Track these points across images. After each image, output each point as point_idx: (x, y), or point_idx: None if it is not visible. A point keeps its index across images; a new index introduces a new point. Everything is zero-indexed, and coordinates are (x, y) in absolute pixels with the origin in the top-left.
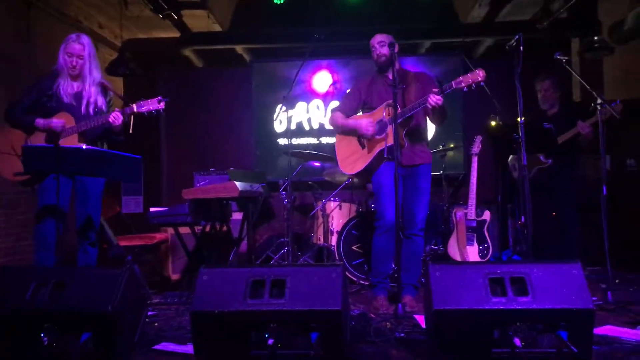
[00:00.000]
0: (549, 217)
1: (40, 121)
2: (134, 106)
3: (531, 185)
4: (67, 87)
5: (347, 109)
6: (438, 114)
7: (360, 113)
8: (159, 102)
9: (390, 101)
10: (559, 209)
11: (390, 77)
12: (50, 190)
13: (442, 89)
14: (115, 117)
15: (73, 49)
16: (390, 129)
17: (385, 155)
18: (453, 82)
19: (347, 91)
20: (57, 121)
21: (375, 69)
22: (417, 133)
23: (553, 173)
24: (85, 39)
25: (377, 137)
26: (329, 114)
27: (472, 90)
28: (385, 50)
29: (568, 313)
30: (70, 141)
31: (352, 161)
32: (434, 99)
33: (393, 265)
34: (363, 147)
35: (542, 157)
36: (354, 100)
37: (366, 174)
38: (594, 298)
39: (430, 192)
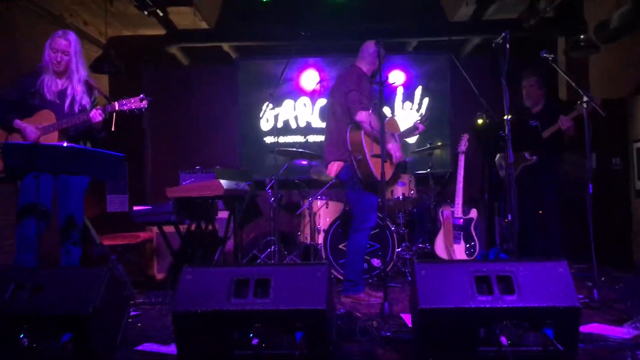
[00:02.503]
0: (533, 214)
1: (18, 123)
2: (116, 104)
3: (517, 183)
4: (51, 85)
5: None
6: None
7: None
8: (141, 100)
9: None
10: (542, 206)
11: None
12: (31, 188)
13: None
14: (95, 115)
15: (58, 45)
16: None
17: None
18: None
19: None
20: (32, 133)
21: (368, 75)
22: None
23: (538, 170)
24: (72, 36)
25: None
26: (316, 112)
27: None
28: None
29: (554, 311)
30: (51, 138)
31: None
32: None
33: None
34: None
35: (527, 155)
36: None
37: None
38: (580, 296)
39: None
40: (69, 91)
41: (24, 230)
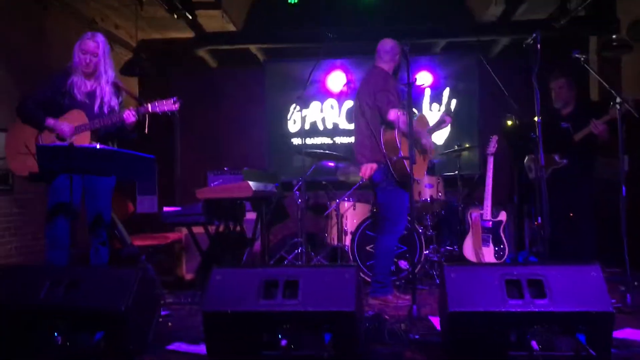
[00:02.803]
0: (564, 218)
1: (50, 121)
2: (149, 106)
3: (547, 186)
4: (80, 85)
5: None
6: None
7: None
8: (174, 103)
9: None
10: (575, 209)
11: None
12: (61, 189)
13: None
14: (128, 115)
15: (87, 47)
16: (427, 140)
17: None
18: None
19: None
20: (67, 128)
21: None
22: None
23: (569, 174)
24: (100, 38)
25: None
26: (343, 114)
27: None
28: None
29: (586, 316)
30: (83, 139)
31: (417, 168)
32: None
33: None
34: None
35: (557, 157)
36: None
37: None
38: (612, 300)
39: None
40: (97, 92)
41: (55, 229)
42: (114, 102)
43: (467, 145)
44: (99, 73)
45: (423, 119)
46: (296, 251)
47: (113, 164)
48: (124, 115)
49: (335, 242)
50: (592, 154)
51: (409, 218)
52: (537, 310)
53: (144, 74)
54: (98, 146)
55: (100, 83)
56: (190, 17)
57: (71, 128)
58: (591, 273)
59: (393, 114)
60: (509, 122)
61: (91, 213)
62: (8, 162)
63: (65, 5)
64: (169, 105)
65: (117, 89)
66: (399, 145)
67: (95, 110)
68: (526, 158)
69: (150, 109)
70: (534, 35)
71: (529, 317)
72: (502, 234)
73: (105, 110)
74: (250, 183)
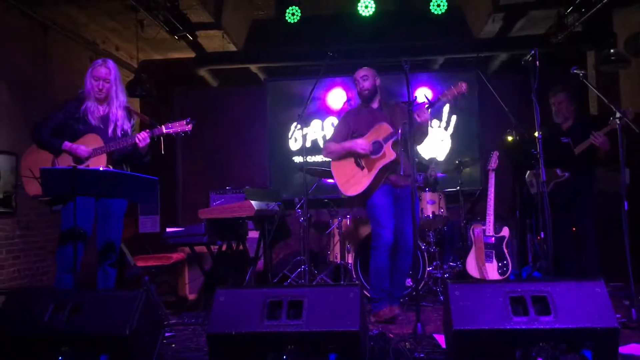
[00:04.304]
0: (566, 231)
1: (67, 144)
2: (163, 128)
3: (549, 200)
4: (94, 111)
5: (339, 139)
6: (420, 132)
7: None
8: (187, 123)
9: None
10: (577, 223)
11: (375, 106)
12: (77, 211)
13: (431, 103)
14: (143, 138)
15: (100, 73)
16: (386, 147)
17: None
18: (440, 96)
19: (335, 124)
20: (85, 149)
21: (360, 101)
22: (406, 152)
23: (570, 187)
24: (111, 64)
25: (373, 156)
26: None
27: (456, 102)
28: (367, 84)
29: (592, 332)
30: (99, 162)
31: (353, 182)
32: (422, 113)
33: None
34: (362, 167)
35: (559, 171)
36: (344, 129)
37: (361, 196)
38: (617, 315)
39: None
40: (111, 117)
41: (66, 252)
42: (127, 125)
43: (467, 160)
44: (111, 98)
45: (381, 128)
46: (299, 269)
47: (117, 186)
48: (140, 138)
49: (338, 260)
50: (593, 168)
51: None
52: (542, 327)
53: (146, 95)
54: (101, 168)
55: (112, 108)
56: (191, 38)
57: (88, 150)
58: (595, 289)
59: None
60: (510, 138)
61: (103, 235)
62: (24, 185)
63: (67, 28)
64: (182, 126)
65: (128, 112)
66: (333, 175)
67: (109, 134)
68: (527, 173)
69: (164, 131)
70: (532, 52)
71: (534, 334)
72: (505, 250)
73: (119, 133)
74: (253, 202)
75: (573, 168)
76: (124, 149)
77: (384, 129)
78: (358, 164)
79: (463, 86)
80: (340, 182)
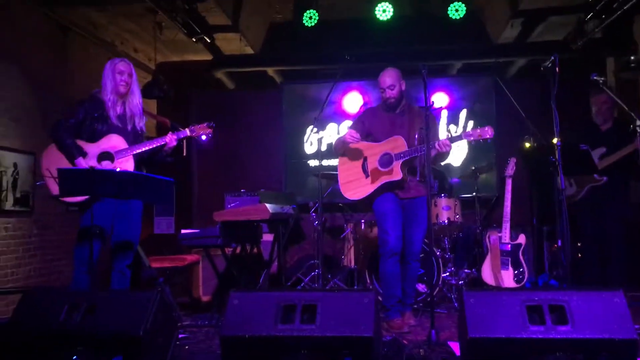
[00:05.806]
0: (594, 240)
1: (80, 161)
2: (187, 130)
3: (582, 204)
4: (116, 108)
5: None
6: (440, 158)
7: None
8: (209, 127)
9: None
10: (607, 231)
11: (397, 111)
12: (95, 211)
13: (452, 138)
14: (171, 140)
15: (123, 67)
16: (395, 165)
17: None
18: (463, 134)
19: (353, 121)
20: (108, 165)
21: (382, 105)
22: (413, 169)
23: (606, 192)
24: (128, 61)
25: (382, 169)
26: None
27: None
28: (394, 92)
29: (610, 343)
30: (127, 164)
31: (354, 187)
32: (445, 146)
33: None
34: (367, 175)
35: (597, 175)
36: (358, 128)
37: (366, 201)
38: (636, 326)
39: (427, 222)
40: (128, 115)
41: (84, 251)
42: (142, 124)
43: (483, 165)
44: (131, 93)
45: (397, 142)
46: (313, 273)
47: (133, 187)
48: (167, 139)
49: (352, 265)
50: (629, 175)
51: (426, 240)
52: (559, 337)
53: (163, 96)
54: (118, 169)
55: (131, 105)
56: (209, 40)
57: (114, 167)
58: (614, 299)
59: None
60: (527, 144)
61: (120, 236)
62: (47, 184)
63: (87, 30)
64: (204, 129)
65: (143, 111)
66: (337, 170)
67: (129, 134)
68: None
69: (188, 133)
70: (552, 57)
71: (550, 343)
72: (521, 257)
73: (137, 131)
74: (267, 205)
75: (611, 172)
76: (149, 150)
77: (400, 144)
78: (364, 169)
79: (489, 132)
80: (342, 182)
